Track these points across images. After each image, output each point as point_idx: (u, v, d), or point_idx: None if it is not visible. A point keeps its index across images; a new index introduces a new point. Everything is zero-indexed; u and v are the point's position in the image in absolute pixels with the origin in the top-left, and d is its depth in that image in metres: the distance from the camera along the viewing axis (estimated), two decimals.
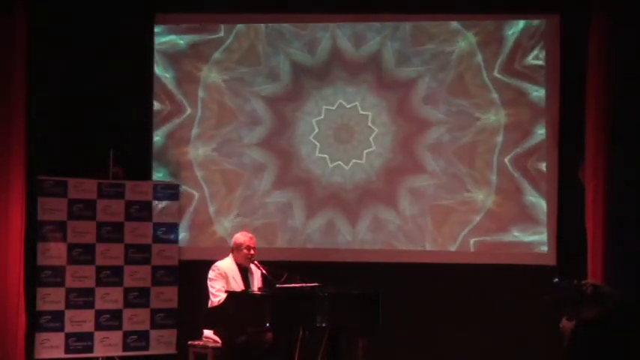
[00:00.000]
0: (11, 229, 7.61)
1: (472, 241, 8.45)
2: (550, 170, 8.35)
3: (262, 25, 8.69)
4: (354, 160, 8.61)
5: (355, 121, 8.63)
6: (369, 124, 8.61)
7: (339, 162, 8.61)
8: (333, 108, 8.65)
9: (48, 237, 7.99)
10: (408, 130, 8.58)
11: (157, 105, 8.68)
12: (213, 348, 7.07)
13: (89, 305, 8.05)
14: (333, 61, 8.65)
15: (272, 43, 8.69)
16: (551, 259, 8.26)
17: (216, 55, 8.72)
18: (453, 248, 8.47)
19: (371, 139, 8.61)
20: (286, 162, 8.67)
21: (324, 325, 6.63)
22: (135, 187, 8.30)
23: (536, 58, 8.43)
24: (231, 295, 6.80)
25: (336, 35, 8.65)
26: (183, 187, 8.60)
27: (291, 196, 8.64)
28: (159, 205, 8.36)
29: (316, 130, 8.66)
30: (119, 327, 8.12)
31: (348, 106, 8.63)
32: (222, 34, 8.73)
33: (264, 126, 8.70)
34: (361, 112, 8.62)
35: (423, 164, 8.54)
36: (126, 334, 8.14)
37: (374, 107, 8.61)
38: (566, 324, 6.31)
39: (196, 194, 8.67)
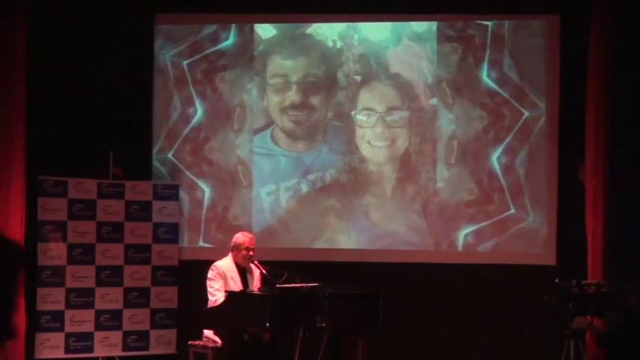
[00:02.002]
0: (11, 229, 7.60)
1: (472, 241, 8.44)
2: (550, 170, 8.35)
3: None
4: (353, 156, 8.60)
5: (356, 119, 8.63)
6: (372, 122, 8.61)
7: (339, 158, 8.61)
8: (333, 112, 8.65)
9: (48, 237, 7.98)
10: (411, 129, 8.57)
11: (157, 104, 8.67)
12: (213, 348, 7.07)
13: (89, 305, 8.04)
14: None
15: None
16: (551, 259, 8.25)
17: (216, 54, 8.71)
18: (453, 248, 8.46)
19: (372, 136, 8.61)
20: (288, 161, 8.66)
21: (324, 325, 6.64)
22: (135, 187, 8.30)
23: (535, 58, 8.42)
24: (230, 295, 6.80)
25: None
26: (183, 187, 8.59)
27: (292, 195, 8.63)
28: (159, 205, 8.37)
29: (317, 127, 8.66)
30: (119, 327, 8.11)
31: (348, 105, 8.63)
32: (218, 31, 8.74)
33: (264, 126, 8.69)
34: (362, 110, 8.62)
35: (424, 164, 8.53)
36: (126, 334, 8.14)
37: (375, 105, 8.61)
38: (581, 320, 6.31)
39: (196, 194, 8.66)
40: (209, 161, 8.69)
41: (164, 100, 8.69)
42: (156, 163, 8.62)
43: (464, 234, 8.46)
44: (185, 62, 8.72)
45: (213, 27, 8.73)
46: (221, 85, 8.71)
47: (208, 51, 8.72)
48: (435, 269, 8.33)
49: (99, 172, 8.23)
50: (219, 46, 8.72)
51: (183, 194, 8.56)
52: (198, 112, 8.71)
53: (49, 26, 8.13)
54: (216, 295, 6.96)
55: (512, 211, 8.40)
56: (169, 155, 8.67)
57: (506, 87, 8.46)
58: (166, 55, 8.71)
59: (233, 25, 8.72)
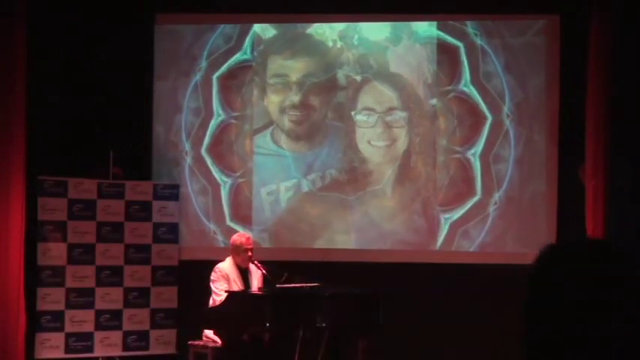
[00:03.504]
0: (11, 229, 7.61)
1: (473, 240, 8.44)
2: (550, 170, 8.35)
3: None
4: (353, 156, 8.60)
5: (356, 119, 8.63)
6: (372, 122, 8.60)
7: (339, 158, 8.60)
8: (333, 113, 8.65)
9: (48, 237, 7.98)
10: (411, 129, 8.57)
11: (158, 104, 8.67)
12: (213, 348, 7.07)
13: (89, 305, 8.04)
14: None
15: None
16: None
17: (216, 54, 8.71)
18: (452, 248, 8.46)
19: (372, 136, 8.60)
20: (288, 161, 8.66)
21: (324, 325, 6.64)
22: (135, 187, 8.30)
23: (535, 57, 8.43)
24: (231, 295, 6.81)
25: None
26: (183, 187, 8.59)
27: (292, 195, 8.63)
28: (159, 205, 8.37)
29: (317, 127, 8.66)
30: (119, 327, 8.11)
31: (348, 105, 8.63)
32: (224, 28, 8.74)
33: (264, 126, 8.69)
34: (362, 110, 8.62)
35: (424, 164, 8.53)
36: (126, 334, 8.14)
37: (375, 105, 8.61)
38: None
39: (196, 193, 8.66)
40: (208, 161, 8.69)
41: (166, 99, 8.70)
42: (156, 163, 8.61)
43: (465, 234, 8.45)
44: (185, 62, 8.72)
45: (214, 27, 8.73)
46: (221, 86, 8.71)
47: (207, 51, 8.72)
48: (435, 269, 8.33)
49: (99, 172, 8.23)
50: (218, 46, 8.72)
51: (183, 194, 8.56)
52: (197, 112, 8.71)
53: (49, 26, 8.13)
54: (220, 296, 6.96)
55: (512, 211, 8.41)
56: (168, 155, 8.67)
57: (507, 86, 8.45)
58: (167, 55, 8.71)
59: (233, 26, 8.72)
